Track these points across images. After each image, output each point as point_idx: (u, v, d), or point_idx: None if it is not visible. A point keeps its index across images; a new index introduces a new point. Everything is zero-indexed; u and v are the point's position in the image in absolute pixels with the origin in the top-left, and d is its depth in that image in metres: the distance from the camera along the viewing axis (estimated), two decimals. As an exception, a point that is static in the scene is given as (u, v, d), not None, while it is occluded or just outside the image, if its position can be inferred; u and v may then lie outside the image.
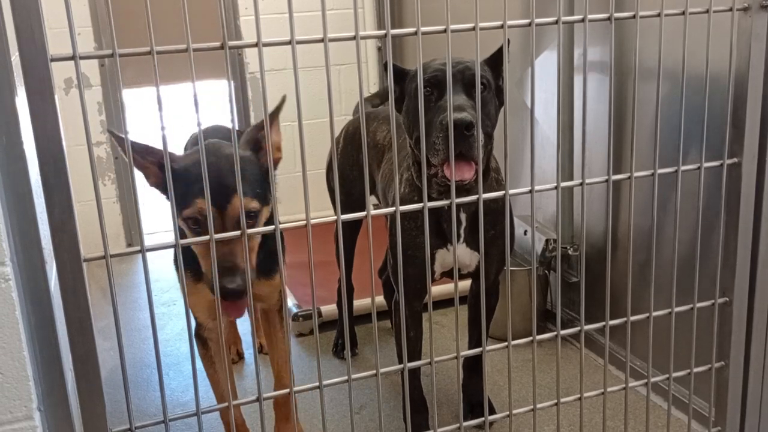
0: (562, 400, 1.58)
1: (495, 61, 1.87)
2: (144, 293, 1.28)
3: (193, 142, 2.34)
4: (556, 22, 1.35)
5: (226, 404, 1.33)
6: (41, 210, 1.12)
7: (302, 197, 1.31)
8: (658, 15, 1.41)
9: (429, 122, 1.79)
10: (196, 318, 1.98)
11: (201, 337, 2.02)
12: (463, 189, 1.75)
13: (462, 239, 2.04)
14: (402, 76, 1.93)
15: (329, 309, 3.04)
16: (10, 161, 1.08)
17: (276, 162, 1.74)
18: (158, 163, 1.71)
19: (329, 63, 1.22)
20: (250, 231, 1.27)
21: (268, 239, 1.89)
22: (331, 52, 1.20)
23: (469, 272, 2.17)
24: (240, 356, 2.90)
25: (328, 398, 2.52)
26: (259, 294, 1.94)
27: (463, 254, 2.06)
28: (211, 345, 2.02)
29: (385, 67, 1.94)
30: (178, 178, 1.64)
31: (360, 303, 2.96)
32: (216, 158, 1.70)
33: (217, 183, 1.59)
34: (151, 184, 1.76)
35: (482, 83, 1.84)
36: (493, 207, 1.98)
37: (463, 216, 2.00)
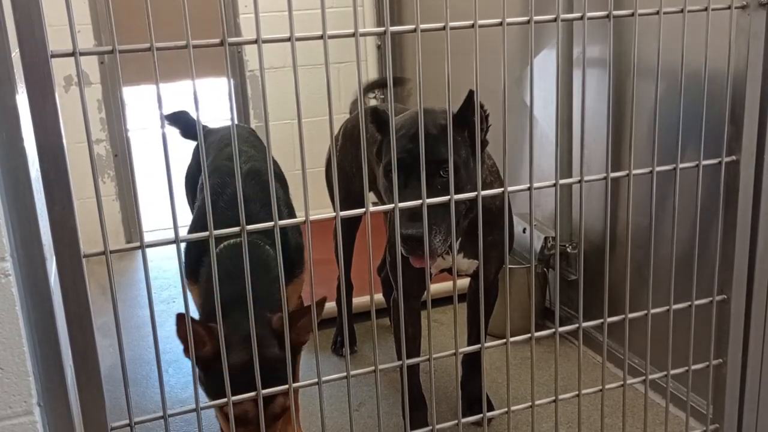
0: (561, 397, 1.59)
1: (463, 115, 1.80)
2: (143, 291, 1.28)
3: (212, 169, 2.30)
4: (555, 20, 1.35)
5: (225, 400, 1.33)
6: (41, 206, 1.12)
7: (301, 195, 1.31)
8: (657, 13, 1.42)
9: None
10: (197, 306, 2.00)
11: None
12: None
13: (457, 250, 2.04)
14: (385, 125, 1.92)
15: (328, 306, 3.04)
16: (10, 157, 1.08)
17: (301, 345, 1.76)
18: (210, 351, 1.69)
19: (329, 60, 1.23)
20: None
21: (289, 235, 1.91)
22: (331, 50, 1.20)
23: (468, 274, 2.18)
24: None
25: (327, 395, 2.53)
26: None
27: (459, 263, 2.06)
28: None
29: (374, 114, 1.93)
30: (215, 371, 1.64)
31: (359, 300, 2.96)
32: (247, 355, 1.59)
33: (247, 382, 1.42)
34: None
35: (446, 167, 1.78)
36: (488, 209, 1.97)
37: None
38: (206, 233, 1.24)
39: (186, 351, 1.66)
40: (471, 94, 1.76)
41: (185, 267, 1.94)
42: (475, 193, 1.40)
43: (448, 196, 1.38)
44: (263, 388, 1.36)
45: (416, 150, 1.76)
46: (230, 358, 1.50)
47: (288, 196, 2.27)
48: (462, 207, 1.85)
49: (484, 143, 1.86)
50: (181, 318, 1.54)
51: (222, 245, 1.88)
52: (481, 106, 1.73)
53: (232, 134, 1.25)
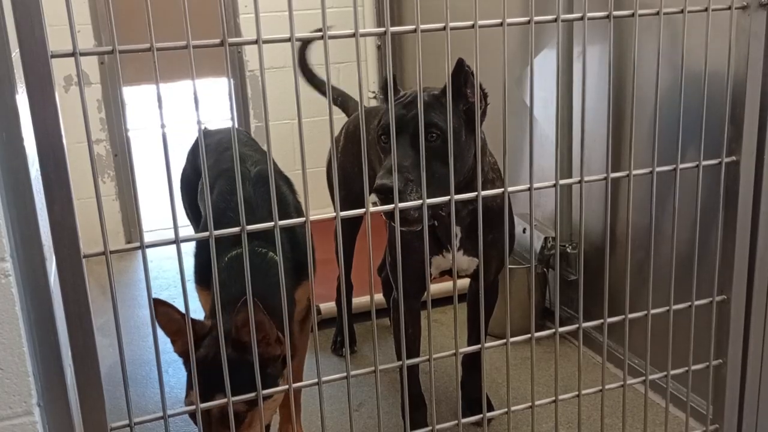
0: (560, 397, 1.59)
1: (455, 84, 1.77)
2: (143, 291, 1.28)
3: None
4: (556, 20, 1.35)
5: (225, 400, 1.33)
6: (41, 206, 1.12)
7: (302, 195, 1.31)
8: (657, 13, 1.42)
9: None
10: (205, 312, 2.00)
11: None
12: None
13: (458, 247, 2.04)
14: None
15: (328, 306, 3.04)
16: (10, 157, 1.08)
17: (278, 356, 1.70)
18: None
19: (329, 60, 1.23)
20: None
21: (300, 238, 1.93)
22: (331, 50, 1.21)
23: (468, 274, 2.17)
24: None
25: (327, 395, 2.52)
26: None
27: (460, 261, 2.06)
28: None
29: (385, 85, 1.93)
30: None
31: (359, 300, 2.96)
32: (205, 352, 1.65)
33: (206, 378, 1.54)
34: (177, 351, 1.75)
35: (433, 132, 1.79)
36: (489, 207, 1.97)
37: (457, 228, 1.99)
38: (206, 233, 1.24)
39: (173, 344, 1.72)
40: (460, 62, 1.75)
41: (197, 273, 1.94)
42: (476, 193, 1.40)
43: (448, 197, 1.38)
44: (211, 388, 1.42)
45: (408, 115, 1.77)
46: (196, 354, 1.60)
47: (297, 200, 2.27)
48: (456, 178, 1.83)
49: (481, 118, 1.86)
50: (157, 303, 1.57)
51: (230, 254, 1.87)
52: (480, 86, 1.73)
53: (233, 135, 1.25)
